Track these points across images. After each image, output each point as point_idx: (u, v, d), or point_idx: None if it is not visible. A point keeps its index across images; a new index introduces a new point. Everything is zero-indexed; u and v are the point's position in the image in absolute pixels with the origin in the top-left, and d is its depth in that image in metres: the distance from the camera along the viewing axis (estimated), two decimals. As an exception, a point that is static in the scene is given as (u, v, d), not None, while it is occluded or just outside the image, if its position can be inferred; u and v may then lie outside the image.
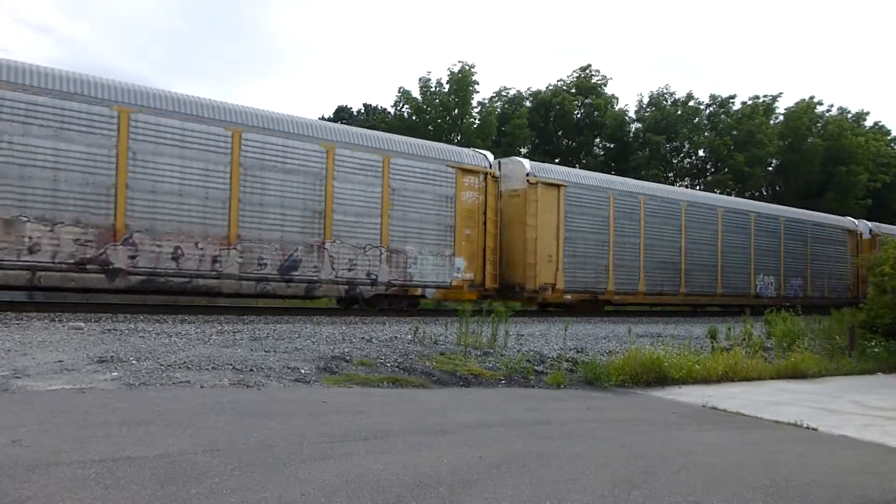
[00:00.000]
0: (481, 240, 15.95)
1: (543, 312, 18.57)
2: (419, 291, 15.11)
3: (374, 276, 14.33)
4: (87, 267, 11.29)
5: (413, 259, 14.88)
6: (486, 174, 16.09)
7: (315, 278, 13.55)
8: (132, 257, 11.67)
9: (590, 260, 17.99)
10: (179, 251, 12.13)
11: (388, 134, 16.49)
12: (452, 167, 15.57)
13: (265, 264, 12.97)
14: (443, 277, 15.30)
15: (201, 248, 12.32)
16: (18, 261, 10.73)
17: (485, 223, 16.01)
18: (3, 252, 10.57)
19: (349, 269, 14.00)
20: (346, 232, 13.95)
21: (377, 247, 14.40)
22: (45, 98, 10.93)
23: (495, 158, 17.30)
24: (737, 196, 32.41)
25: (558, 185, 17.30)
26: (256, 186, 12.93)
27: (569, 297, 17.53)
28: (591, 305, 18.48)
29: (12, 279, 10.79)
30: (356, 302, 14.97)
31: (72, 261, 11.14)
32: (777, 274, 23.55)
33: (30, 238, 10.80)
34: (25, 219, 10.76)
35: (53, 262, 11.00)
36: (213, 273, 12.45)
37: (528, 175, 16.81)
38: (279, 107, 59.44)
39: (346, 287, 14.01)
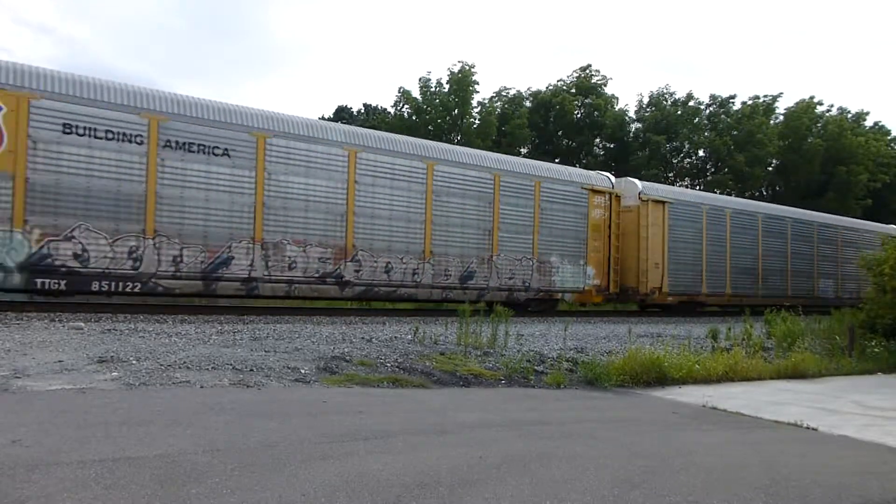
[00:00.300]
0: (606, 250, 18.48)
1: (637, 313, 20.73)
2: (559, 296, 17.66)
3: (527, 284, 16.89)
4: (327, 280, 13.81)
5: (556, 268, 17.44)
6: (610, 194, 18.65)
7: (485, 286, 16.12)
8: (357, 271, 14.17)
9: (688, 266, 20.46)
10: (390, 265, 14.63)
11: (539, 162, 19.55)
12: (586, 189, 18.13)
13: (450, 275, 15.53)
14: (577, 283, 17.86)
15: (405, 263, 14.85)
16: (282, 276, 13.26)
17: (609, 236, 18.55)
18: (273, 269, 13.17)
19: (510, 278, 16.57)
20: (508, 246, 16.50)
21: (530, 258, 16.93)
22: (299, 143, 13.51)
23: (614, 179, 19.58)
24: (737, 196, 32.43)
25: (664, 202, 19.78)
26: (444, 209, 15.47)
27: (671, 298, 19.92)
28: (686, 306, 20.69)
29: (277, 290, 13.37)
30: (510, 305, 17.18)
31: (317, 275, 13.69)
32: (835, 277, 25.80)
33: (289, 257, 13.37)
34: (287, 242, 13.33)
35: (304, 276, 13.55)
36: (413, 283, 14.97)
37: (640, 193, 19.35)
38: (279, 107, 59.50)
39: (507, 293, 16.53)
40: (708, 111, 39.31)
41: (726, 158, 36.67)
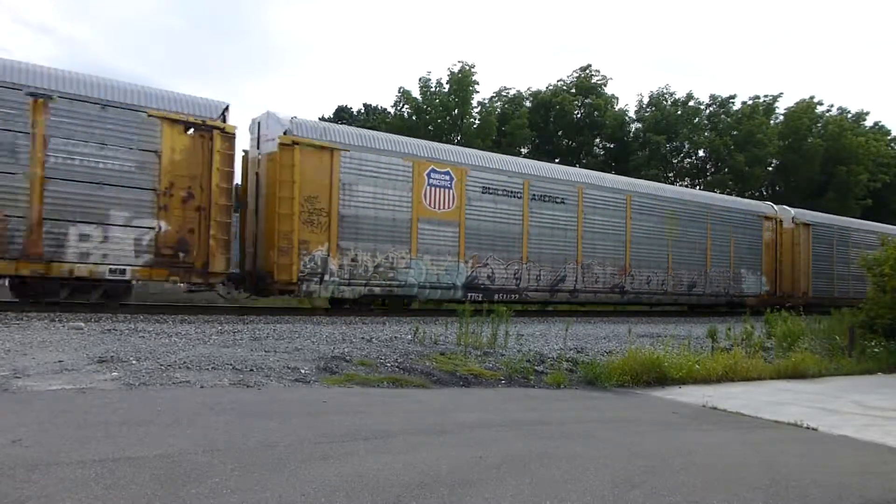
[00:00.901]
0: (773, 263, 23.90)
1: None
2: (745, 299, 22.68)
3: (727, 290, 22.28)
4: (614, 290, 19.14)
5: (744, 278, 22.80)
6: (776, 219, 24.14)
7: (702, 292, 21.52)
8: (631, 283, 19.49)
9: (824, 275, 25.42)
10: (649, 278, 19.97)
11: (732, 198, 25.61)
12: (760, 216, 23.66)
13: (682, 284, 20.94)
14: (755, 289, 23.19)
15: (658, 276, 20.20)
16: (591, 287, 18.54)
17: (775, 252, 23.96)
18: (586, 282, 18.41)
19: (716, 286, 21.99)
20: (716, 262, 21.87)
21: (728, 270, 22.32)
22: (600, 192, 18.91)
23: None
24: (737, 196, 32.45)
25: (809, 225, 24.99)
26: (681, 236, 20.88)
27: (814, 300, 24.19)
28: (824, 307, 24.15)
29: (588, 298, 18.69)
30: (712, 307, 22.11)
31: (609, 286, 19.00)
32: None
33: (595, 274, 18.68)
34: (594, 263, 18.63)
35: (602, 287, 18.85)
36: (661, 291, 20.31)
37: (793, 218, 24.57)
38: (280, 107, 59.49)
39: (714, 297, 21.87)
40: (708, 111, 39.30)
41: (726, 158, 36.67)
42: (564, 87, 37.57)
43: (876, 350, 11.39)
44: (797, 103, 39.00)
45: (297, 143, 13.49)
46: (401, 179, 14.92)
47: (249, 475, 3.67)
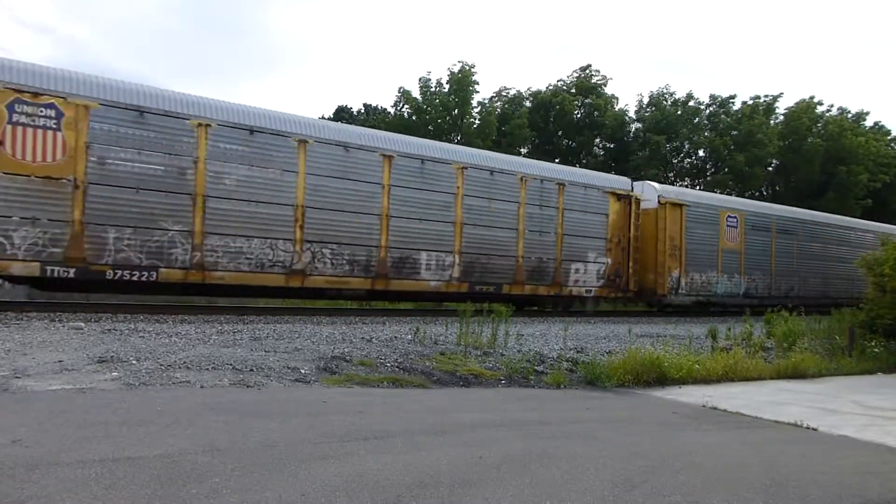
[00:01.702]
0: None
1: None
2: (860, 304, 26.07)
3: (853, 294, 26.09)
4: (818, 296, 24.29)
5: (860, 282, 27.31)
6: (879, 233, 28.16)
7: (847, 296, 24.60)
8: (800, 288, 24.58)
9: None
10: (837, 286, 25.51)
11: (879, 225, 28.92)
12: (874, 233, 27.37)
13: (838, 290, 25.70)
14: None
15: (843, 285, 25.49)
16: (807, 294, 24.12)
17: None
18: (804, 289, 24.15)
19: (851, 291, 25.49)
20: (846, 273, 26.24)
21: (857, 279, 26.57)
22: (812, 225, 25.17)
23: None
24: (737, 196, 32.46)
25: None
26: (836, 255, 26.04)
27: None
28: None
29: (803, 301, 21.62)
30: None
31: (817, 293, 24.70)
32: None
33: (809, 284, 24.55)
34: (808, 276, 24.60)
35: (812, 294, 24.56)
36: (822, 295, 24.97)
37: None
38: (281, 107, 59.32)
39: (848, 299, 24.78)
40: (708, 111, 39.24)
41: (726, 158, 36.63)
42: (564, 87, 37.54)
43: (876, 350, 11.38)
44: (797, 103, 38.96)
45: (667, 203, 20.31)
46: (713, 223, 21.70)
47: (249, 475, 3.67)
